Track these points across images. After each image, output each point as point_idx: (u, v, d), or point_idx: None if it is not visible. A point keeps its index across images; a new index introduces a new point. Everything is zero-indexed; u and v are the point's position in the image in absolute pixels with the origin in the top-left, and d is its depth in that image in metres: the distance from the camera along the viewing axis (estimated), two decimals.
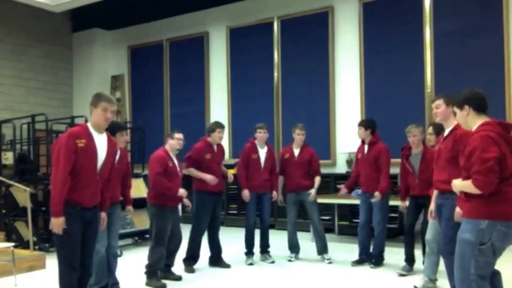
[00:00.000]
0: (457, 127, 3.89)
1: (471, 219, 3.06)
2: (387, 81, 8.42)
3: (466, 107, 3.17)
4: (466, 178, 3.10)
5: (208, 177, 5.64)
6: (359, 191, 6.17)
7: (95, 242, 3.84)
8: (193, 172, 5.75)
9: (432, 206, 4.15)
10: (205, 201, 5.71)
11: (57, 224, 3.45)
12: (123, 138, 4.73)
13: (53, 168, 3.55)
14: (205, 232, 5.88)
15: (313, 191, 6.18)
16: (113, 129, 4.48)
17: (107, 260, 4.59)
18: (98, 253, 4.32)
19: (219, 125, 5.93)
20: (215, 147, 5.91)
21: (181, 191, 5.17)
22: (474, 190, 3.02)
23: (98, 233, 3.90)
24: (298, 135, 6.24)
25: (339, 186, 6.79)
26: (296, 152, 6.27)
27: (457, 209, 3.79)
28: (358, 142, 6.18)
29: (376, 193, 5.71)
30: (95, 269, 4.34)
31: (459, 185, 3.17)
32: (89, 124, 3.71)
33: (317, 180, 6.26)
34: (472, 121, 3.17)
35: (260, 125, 6.21)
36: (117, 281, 4.77)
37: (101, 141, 3.67)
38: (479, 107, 3.16)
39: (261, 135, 6.17)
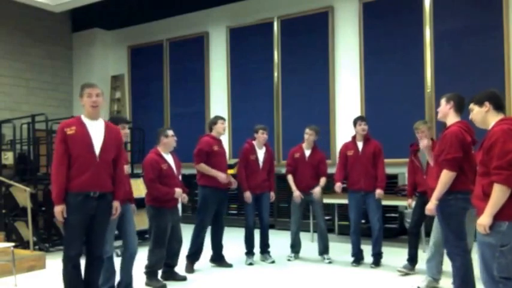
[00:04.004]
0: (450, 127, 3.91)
1: (493, 221, 2.95)
2: (387, 81, 8.41)
3: (487, 103, 3.14)
4: (482, 174, 3.04)
5: (220, 176, 5.66)
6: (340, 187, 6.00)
7: (104, 231, 3.89)
8: (204, 168, 5.70)
9: (430, 205, 4.04)
10: (209, 197, 5.72)
11: (56, 211, 3.64)
12: (124, 132, 4.69)
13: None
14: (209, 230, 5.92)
15: (318, 188, 6.14)
16: (115, 122, 4.54)
17: (129, 259, 4.64)
18: (106, 253, 4.31)
19: (220, 117, 6.05)
20: (220, 142, 5.96)
21: (178, 192, 5.08)
22: (499, 192, 2.89)
23: (107, 229, 3.97)
24: (306, 135, 6.24)
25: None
26: (307, 152, 6.25)
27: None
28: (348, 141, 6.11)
29: (379, 191, 5.73)
30: (103, 269, 4.36)
31: (489, 207, 2.93)
32: (82, 115, 3.85)
33: (322, 179, 6.24)
34: (490, 118, 3.14)
35: (262, 126, 6.23)
36: (132, 281, 4.78)
37: (95, 127, 3.79)
38: (498, 105, 3.16)
39: (263, 136, 6.18)
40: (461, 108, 3.95)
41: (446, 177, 3.80)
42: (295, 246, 6.38)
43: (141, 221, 7.45)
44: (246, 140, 6.36)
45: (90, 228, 3.76)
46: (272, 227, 8.53)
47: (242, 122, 9.59)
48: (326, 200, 7.45)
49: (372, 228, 5.85)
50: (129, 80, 11.80)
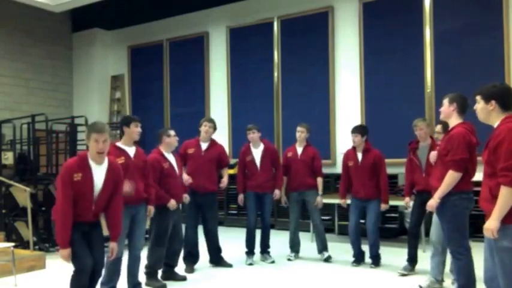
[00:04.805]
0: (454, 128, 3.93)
1: (504, 224, 2.81)
2: (387, 81, 8.42)
3: (493, 102, 2.99)
4: (489, 175, 2.92)
5: (185, 177, 5.50)
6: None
7: (102, 246, 3.86)
8: None
9: (432, 202, 4.00)
10: (189, 201, 5.69)
11: (64, 255, 3.57)
12: (137, 130, 4.69)
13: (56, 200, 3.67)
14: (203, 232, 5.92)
15: (319, 198, 6.19)
16: (127, 121, 4.63)
17: (133, 261, 4.65)
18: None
19: (205, 119, 5.93)
20: (204, 144, 5.81)
21: (172, 204, 5.03)
22: (506, 195, 2.77)
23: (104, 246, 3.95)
24: (297, 133, 6.25)
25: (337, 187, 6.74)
26: (299, 150, 6.27)
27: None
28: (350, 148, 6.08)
29: (384, 205, 5.78)
30: (108, 268, 4.39)
31: (497, 210, 2.81)
32: (89, 157, 3.71)
33: (319, 182, 6.24)
34: (495, 117, 3.00)
35: (249, 127, 6.18)
36: (139, 282, 4.80)
37: (99, 172, 3.69)
38: (506, 105, 2.99)
39: (250, 136, 6.14)
40: (464, 109, 3.93)
41: (451, 177, 3.81)
42: (294, 246, 6.38)
43: None
44: (242, 140, 6.37)
45: (89, 245, 3.73)
46: (272, 227, 8.52)
47: (242, 122, 9.56)
48: (325, 200, 7.46)
49: (367, 232, 5.85)
50: (129, 80, 11.80)
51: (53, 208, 3.72)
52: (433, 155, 4.53)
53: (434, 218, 4.75)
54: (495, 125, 2.99)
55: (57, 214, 3.59)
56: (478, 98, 3.10)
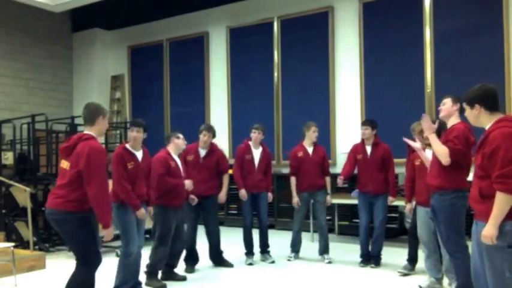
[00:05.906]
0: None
1: None
2: (387, 81, 8.41)
3: (477, 106, 2.97)
4: (481, 177, 2.89)
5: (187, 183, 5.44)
6: (357, 192, 6.11)
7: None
8: None
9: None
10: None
11: (112, 232, 3.73)
12: (140, 135, 4.75)
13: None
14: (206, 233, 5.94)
15: (328, 197, 6.26)
16: (142, 126, 4.78)
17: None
18: (131, 254, 4.48)
19: (205, 127, 5.85)
20: (203, 151, 5.79)
21: (188, 183, 5.19)
22: (503, 201, 2.74)
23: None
24: (314, 133, 6.25)
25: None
26: (310, 150, 6.25)
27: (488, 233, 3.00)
28: (359, 142, 6.12)
29: (391, 198, 5.80)
30: (123, 269, 4.51)
31: (495, 212, 2.77)
32: (92, 133, 3.76)
33: (328, 181, 6.28)
34: (484, 120, 2.97)
35: (256, 126, 6.19)
36: (140, 281, 4.82)
37: None
38: (491, 106, 2.96)
39: (255, 135, 6.15)
40: (463, 111, 4.00)
41: (445, 153, 3.82)
42: (296, 245, 6.37)
43: None
44: (242, 140, 6.37)
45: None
46: (272, 227, 8.53)
47: (242, 122, 9.57)
48: None
49: (373, 228, 5.85)
50: (129, 80, 11.80)
51: (105, 193, 3.67)
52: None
53: (421, 219, 4.77)
54: (487, 127, 2.95)
55: (105, 197, 3.62)
56: (464, 105, 3.12)
